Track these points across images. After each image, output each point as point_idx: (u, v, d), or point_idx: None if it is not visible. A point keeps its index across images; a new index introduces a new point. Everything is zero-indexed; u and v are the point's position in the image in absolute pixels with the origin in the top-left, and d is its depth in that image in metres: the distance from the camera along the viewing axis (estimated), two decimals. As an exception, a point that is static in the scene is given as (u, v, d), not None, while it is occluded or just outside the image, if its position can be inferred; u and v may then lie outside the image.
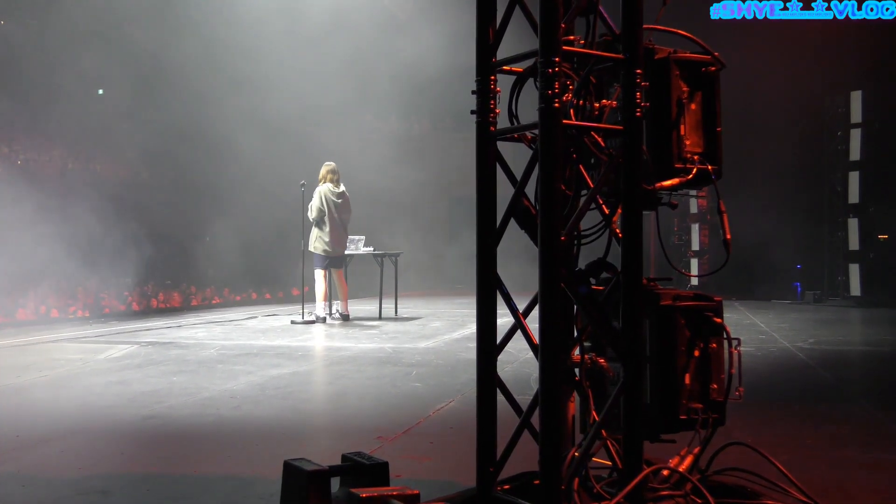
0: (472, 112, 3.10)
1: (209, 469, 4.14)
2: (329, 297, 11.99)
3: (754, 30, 14.27)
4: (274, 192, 15.52)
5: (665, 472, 3.06)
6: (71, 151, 15.20)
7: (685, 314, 3.05)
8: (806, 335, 9.88)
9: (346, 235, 11.78)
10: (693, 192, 3.35)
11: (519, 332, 3.08)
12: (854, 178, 15.13)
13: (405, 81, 16.76)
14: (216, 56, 14.71)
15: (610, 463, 3.03)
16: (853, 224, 15.08)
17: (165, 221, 15.30)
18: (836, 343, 9.40)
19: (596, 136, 3.03)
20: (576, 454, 2.96)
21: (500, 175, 3.13)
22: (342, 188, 11.57)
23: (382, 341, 9.40)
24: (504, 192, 3.06)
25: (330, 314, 12.00)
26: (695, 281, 15.10)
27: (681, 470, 3.07)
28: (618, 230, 3.03)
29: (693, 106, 3.13)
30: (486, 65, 3.07)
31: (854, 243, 15.05)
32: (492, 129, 3.09)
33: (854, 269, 14.99)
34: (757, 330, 10.44)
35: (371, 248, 12.41)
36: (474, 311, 3.21)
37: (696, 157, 3.11)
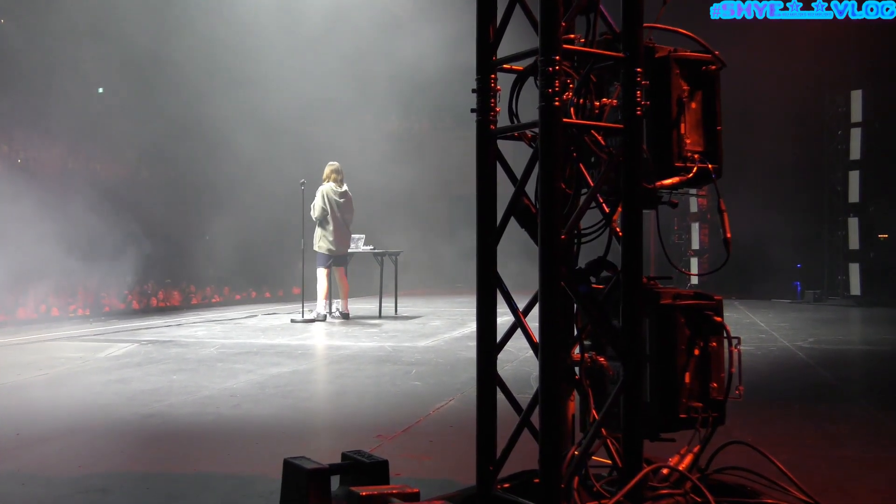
0: (473, 111, 3.09)
1: (209, 467, 4.14)
2: (330, 296, 12.00)
3: (754, 30, 14.26)
4: (274, 191, 15.53)
5: (665, 471, 3.06)
6: (71, 150, 15.19)
7: (685, 313, 3.05)
8: (806, 334, 9.88)
9: (350, 235, 11.83)
10: (693, 191, 3.36)
11: (519, 331, 3.08)
12: (854, 177, 15.13)
13: (405, 80, 16.75)
14: (216, 55, 14.70)
15: (610, 462, 3.03)
16: (853, 223, 15.08)
17: (165, 220, 15.31)
18: (836, 342, 9.40)
19: (596, 135, 3.03)
20: (576, 453, 2.96)
21: (501, 173, 3.13)
22: (345, 188, 11.61)
23: (382, 340, 9.40)
24: (504, 190, 3.06)
25: (330, 312, 12.00)
26: (695, 280, 15.11)
27: (681, 469, 3.08)
28: (618, 229, 3.03)
29: (693, 105, 3.13)
30: (487, 63, 3.07)
31: (854, 242, 15.05)
32: (492, 127, 3.08)
33: (854, 269, 14.99)
34: (757, 329, 10.44)
35: (371, 247, 12.42)
36: (474, 310, 3.21)
37: (696, 156, 3.10)
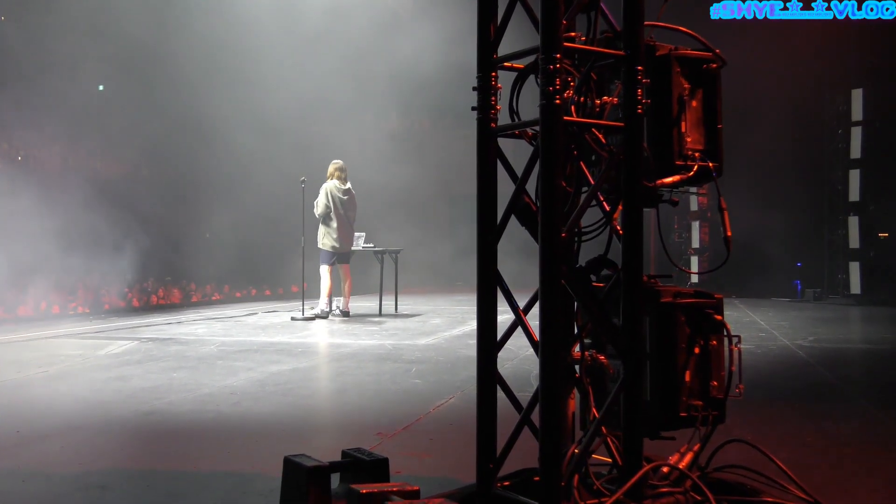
0: (473, 108, 3.09)
1: (209, 465, 4.14)
2: (331, 293, 12.01)
3: (754, 30, 14.24)
4: (274, 189, 15.53)
5: (665, 469, 3.06)
6: (71, 148, 15.19)
7: (685, 311, 3.05)
8: (806, 333, 9.88)
9: (353, 232, 11.89)
10: (694, 190, 3.35)
11: (519, 329, 3.08)
12: (854, 176, 15.13)
13: (405, 79, 16.75)
14: (216, 54, 14.71)
15: (610, 460, 3.03)
16: (853, 222, 15.08)
17: (166, 218, 15.31)
18: (837, 341, 9.40)
19: (597, 133, 3.03)
20: (576, 451, 2.96)
21: (501, 172, 3.13)
22: (348, 185, 11.66)
23: (382, 338, 9.40)
24: (504, 188, 3.06)
25: (331, 310, 12.00)
26: (695, 278, 15.11)
27: (681, 467, 3.08)
28: (618, 227, 3.03)
29: (694, 103, 3.13)
30: (488, 61, 3.07)
31: (854, 241, 15.06)
32: (493, 125, 3.08)
33: (854, 268, 14.99)
34: (757, 328, 10.44)
35: (371, 245, 12.43)
36: (474, 308, 3.21)
37: (696, 155, 3.10)
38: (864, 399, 6.01)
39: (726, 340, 3.13)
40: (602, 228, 3.17)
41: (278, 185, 15.28)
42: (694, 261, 16.52)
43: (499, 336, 3.13)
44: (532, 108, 2.87)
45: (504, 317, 3.04)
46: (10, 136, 13.98)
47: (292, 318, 11.57)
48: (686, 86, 3.11)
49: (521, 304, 3.08)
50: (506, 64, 3.11)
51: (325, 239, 11.57)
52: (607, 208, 3.10)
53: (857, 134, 15.09)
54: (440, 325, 10.80)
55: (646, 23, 2.94)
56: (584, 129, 3.01)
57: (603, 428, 2.95)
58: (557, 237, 2.76)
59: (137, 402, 5.72)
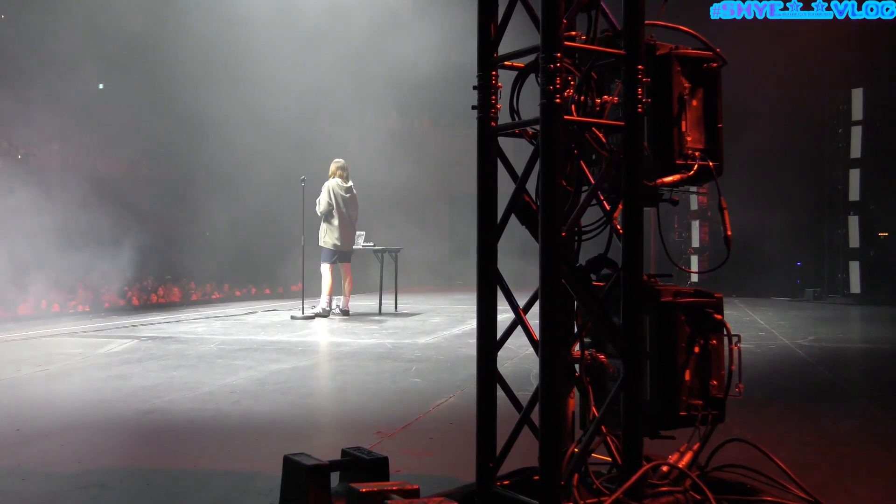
0: (473, 107, 3.09)
1: (209, 464, 4.14)
2: (332, 292, 12.01)
3: (754, 29, 14.24)
4: (274, 188, 15.54)
5: (665, 469, 3.06)
6: (71, 146, 15.19)
7: (685, 311, 3.05)
8: (806, 332, 9.88)
9: (355, 231, 11.91)
10: (694, 189, 3.35)
11: (519, 328, 3.08)
12: (855, 175, 15.13)
13: (405, 78, 16.74)
14: (216, 53, 14.70)
15: (609, 459, 3.03)
16: (853, 221, 15.08)
17: (165, 216, 15.31)
18: (836, 340, 9.40)
19: (597, 132, 3.03)
20: (575, 450, 2.96)
21: (501, 170, 3.13)
22: (350, 184, 11.69)
23: (382, 337, 9.40)
24: (504, 187, 3.06)
25: (331, 309, 12.00)
26: (695, 277, 15.11)
27: (680, 466, 3.08)
28: (618, 226, 3.03)
29: (694, 102, 3.13)
30: (488, 60, 3.07)
31: (854, 241, 15.06)
32: (493, 124, 3.08)
33: (854, 267, 15.00)
34: (757, 327, 10.44)
35: (371, 244, 12.43)
36: (474, 307, 3.21)
37: (697, 154, 3.10)
38: (864, 398, 6.01)
39: (726, 340, 3.13)
40: (602, 228, 3.17)
41: (278, 183, 15.29)
42: (694, 260, 16.52)
43: (499, 335, 3.13)
44: (532, 107, 2.87)
45: (504, 316, 3.04)
46: (9, 135, 13.98)
47: (292, 317, 11.56)
48: (686, 85, 3.11)
49: (521, 303, 3.08)
50: (506, 63, 3.11)
51: (327, 237, 11.59)
52: (607, 207, 3.10)
53: (857, 133, 15.09)
54: (440, 324, 10.80)
55: (646, 22, 2.94)
56: (585, 129, 3.01)
57: (603, 427, 2.95)
58: (557, 236, 2.76)
59: (137, 400, 5.72)
